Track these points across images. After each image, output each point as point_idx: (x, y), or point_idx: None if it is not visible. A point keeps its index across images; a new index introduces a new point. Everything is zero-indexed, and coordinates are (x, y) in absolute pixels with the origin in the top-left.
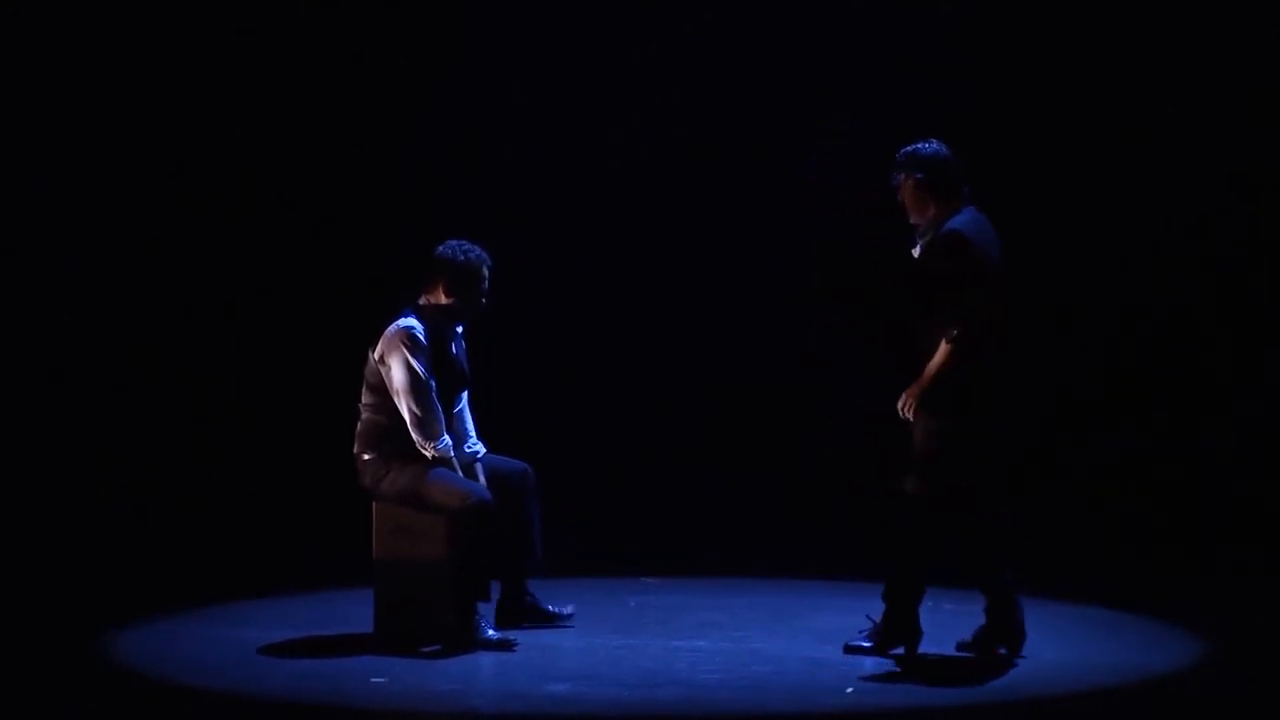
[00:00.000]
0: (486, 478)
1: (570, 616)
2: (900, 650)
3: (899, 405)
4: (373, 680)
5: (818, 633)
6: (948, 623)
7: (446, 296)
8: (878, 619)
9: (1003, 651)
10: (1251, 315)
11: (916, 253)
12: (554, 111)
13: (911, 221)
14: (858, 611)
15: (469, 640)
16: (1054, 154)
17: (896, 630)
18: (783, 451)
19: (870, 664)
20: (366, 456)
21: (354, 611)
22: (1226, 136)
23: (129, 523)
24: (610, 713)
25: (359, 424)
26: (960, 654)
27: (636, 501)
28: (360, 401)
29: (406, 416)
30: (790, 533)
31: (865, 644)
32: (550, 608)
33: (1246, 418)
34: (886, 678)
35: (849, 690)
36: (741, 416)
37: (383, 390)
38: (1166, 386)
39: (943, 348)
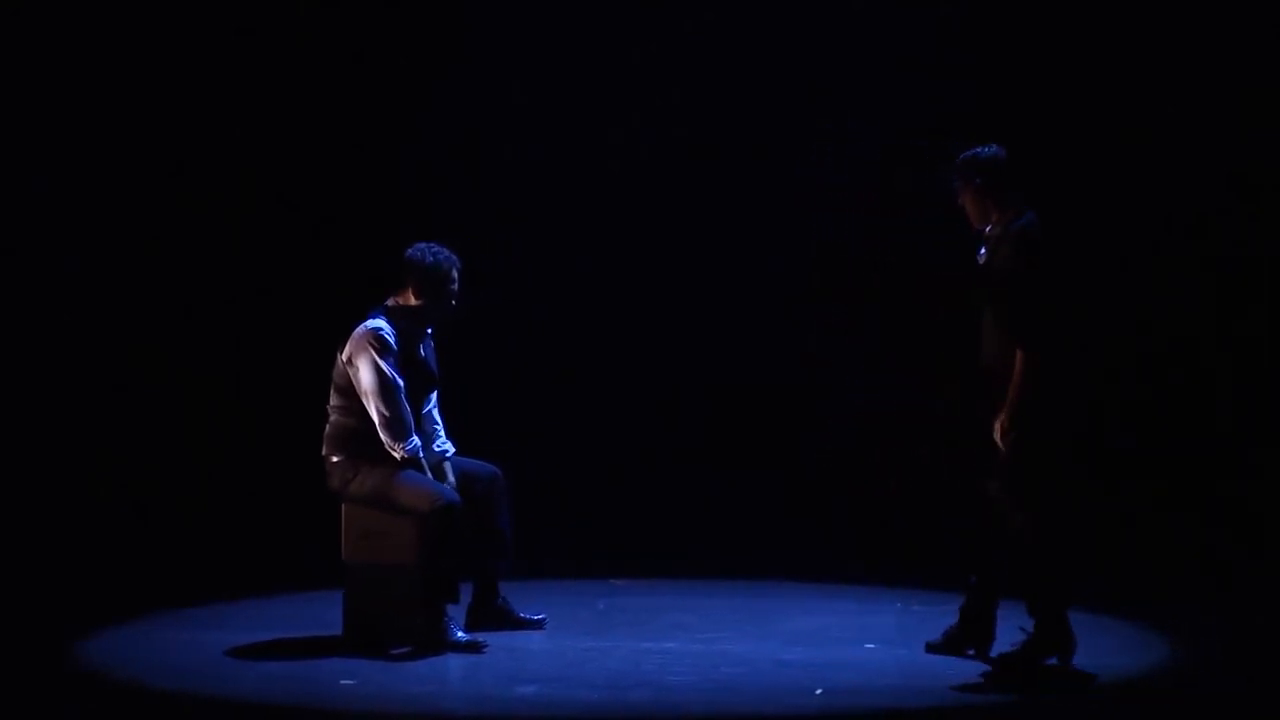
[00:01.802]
0: (456, 479)
1: (541, 622)
2: (1054, 660)
3: (995, 436)
4: (342, 682)
5: (787, 634)
6: (916, 625)
7: (416, 298)
8: (1030, 630)
9: (971, 653)
10: (1248, 317)
11: (982, 258)
12: (554, 111)
13: (975, 227)
14: (828, 613)
15: (438, 642)
16: (1055, 154)
17: (1053, 641)
18: (783, 451)
19: (853, 666)
20: (335, 458)
21: (323, 614)
22: (1226, 136)
23: (98, 527)
24: (579, 715)
25: (327, 426)
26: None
27: (636, 502)
28: (328, 403)
29: (375, 418)
30: (791, 533)
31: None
32: (521, 613)
33: (1244, 420)
34: (855, 679)
35: (818, 692)
36: (741, 416)
37: (351, 392)
38: (1164, 388)
39: (1018, 364)
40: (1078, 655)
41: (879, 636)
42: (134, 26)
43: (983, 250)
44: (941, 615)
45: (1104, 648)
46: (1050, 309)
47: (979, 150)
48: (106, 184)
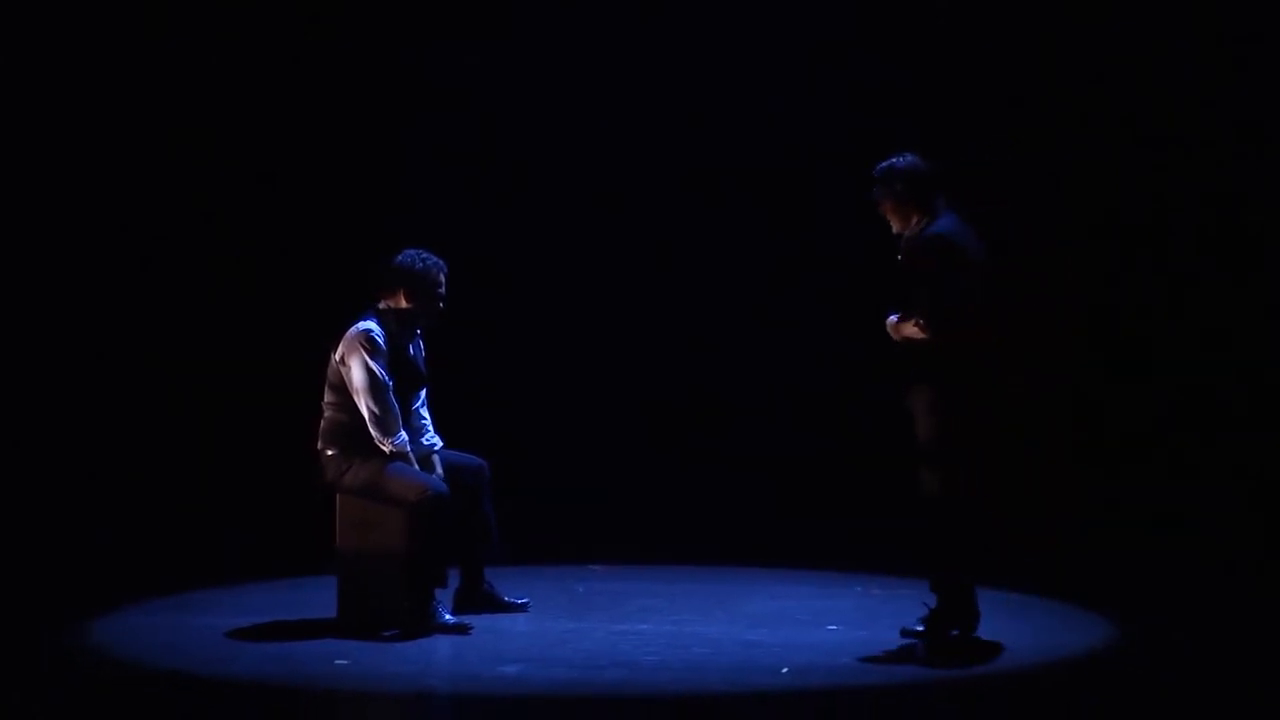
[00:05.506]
0: (444, 470)
1: (524, 605)
2: (955, 633)
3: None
4: (336, 662)
5: (753, 616)
6: (875, 608)
7: (406, 302)
8: (934, 606)
9: (955, 634)
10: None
11: (900, 260)
12: (554, 111)
13: (895, 231)
14: (791, 597)
15: (426, 625)
16: (1053, 153)
17: (953, 615)
18: (782, 451)
19: (815, 646)
20: (329, 452)
21: (318, 598)
22: (1226, 136)
23: (101, 514)
24: (557, 693)
25: (322, 421)
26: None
27: (633, 498)
28: (323, 400)
29: (365, 414)
30: (789, 532)
31: (919, 628)
32: (505, 597)
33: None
34: (818, 660)
35: (784, 670)
36: (741, 416)
37: (344, 390)
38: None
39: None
40: (1001, 637)
41: (840, 619)
42: (134, 26)
43: (900, 256)
44: (899, 599)
45: (1022, 630)
46: (962, 306)
47: (895, 160)
48: (106, 184)
